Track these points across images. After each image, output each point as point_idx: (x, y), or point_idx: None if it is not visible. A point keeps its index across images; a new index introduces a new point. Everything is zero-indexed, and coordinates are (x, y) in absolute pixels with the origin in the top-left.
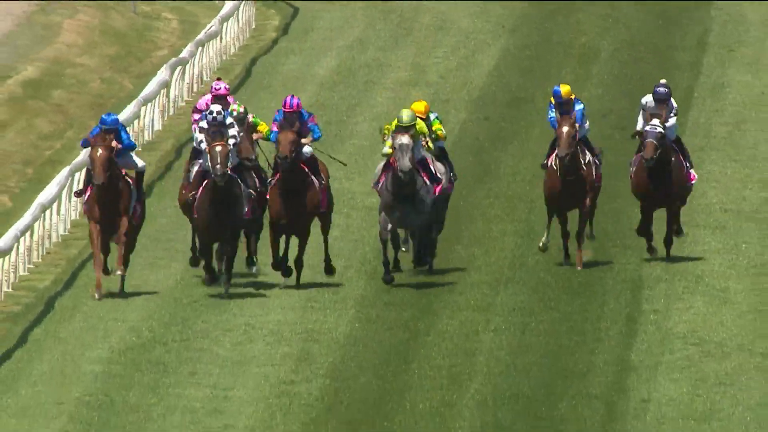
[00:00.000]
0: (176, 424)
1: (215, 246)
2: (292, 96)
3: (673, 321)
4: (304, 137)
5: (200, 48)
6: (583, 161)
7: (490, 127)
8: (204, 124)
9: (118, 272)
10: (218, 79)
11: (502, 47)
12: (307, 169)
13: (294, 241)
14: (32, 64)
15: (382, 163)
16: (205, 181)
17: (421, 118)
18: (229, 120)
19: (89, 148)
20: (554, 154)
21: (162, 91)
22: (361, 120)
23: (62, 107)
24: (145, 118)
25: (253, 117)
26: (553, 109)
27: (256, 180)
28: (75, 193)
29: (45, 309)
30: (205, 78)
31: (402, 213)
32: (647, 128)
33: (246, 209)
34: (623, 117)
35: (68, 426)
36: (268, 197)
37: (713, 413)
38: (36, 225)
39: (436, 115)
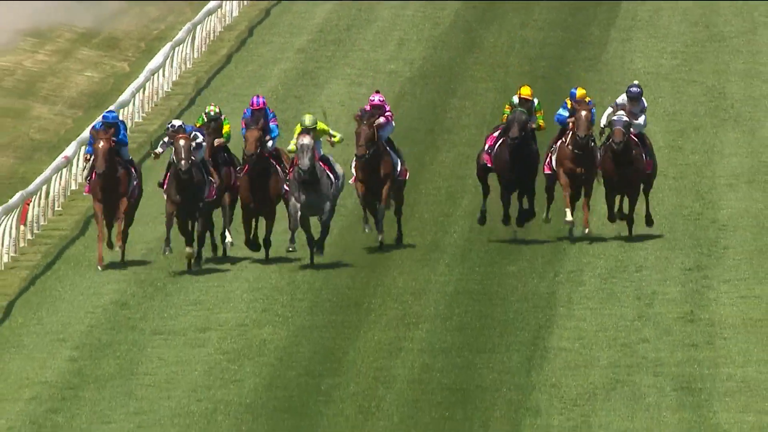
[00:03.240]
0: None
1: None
2: (258, 96)
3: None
4: (269, 132)
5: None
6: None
7: None
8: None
9: (117, 247)
10: (377, 91)
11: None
12: (272, 160)
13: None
14: None
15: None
16: (171, 170)
17: (528, 100)
18: (190, 130)
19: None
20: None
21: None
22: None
23: None
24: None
25: (224, 118)
26: (566, 109)
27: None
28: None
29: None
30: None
31: (307, 199)
32: (614, 118)
33: (207, 192)
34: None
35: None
36: (239, 184)
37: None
38: (147, 85)
39: (538, 101)
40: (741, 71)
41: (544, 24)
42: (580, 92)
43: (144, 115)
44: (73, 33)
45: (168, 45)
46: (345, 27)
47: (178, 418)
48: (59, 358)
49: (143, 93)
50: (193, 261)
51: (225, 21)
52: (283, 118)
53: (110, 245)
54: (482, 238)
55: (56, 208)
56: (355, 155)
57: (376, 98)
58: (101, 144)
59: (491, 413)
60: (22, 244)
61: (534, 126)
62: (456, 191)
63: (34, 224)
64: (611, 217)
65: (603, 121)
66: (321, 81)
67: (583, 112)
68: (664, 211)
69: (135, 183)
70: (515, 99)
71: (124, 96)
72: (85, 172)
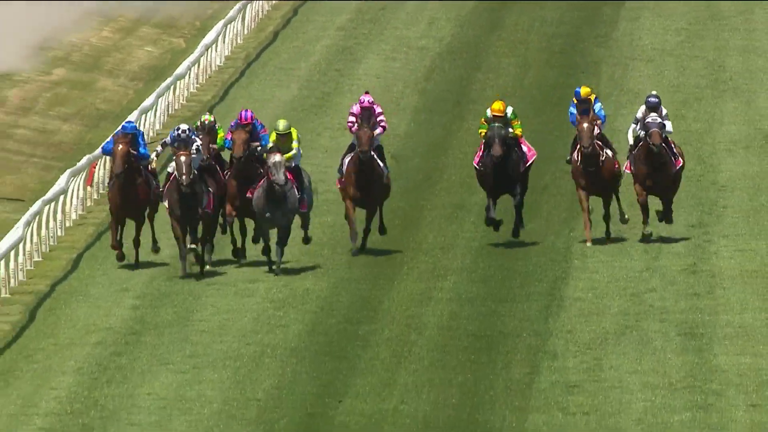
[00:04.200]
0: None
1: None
2: (247, 110)
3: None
4: (256, 140)
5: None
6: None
7: None
8: (170, 138)
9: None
10: (366, 92)
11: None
12: (257, 164)
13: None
14: None
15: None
16: (171, 180)
17: (500, 116)
18: (194, 137)
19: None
20: (577, 148)
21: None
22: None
23: None
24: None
25: (218, 126)
26: (575, 108)
27: (219, 174)
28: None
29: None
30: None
31: (272, 215)
32: (648, 120)
33: (206, 204)
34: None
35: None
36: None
37: None
38: (202, 59)
39: (512, 109)
40: (739, 47)
41: (561, 4)
42: (584, 91)
43: (198, 86)
44: (135, 13)
45: (220, 23)
46: (380, 7)
47: (229, 361)
48: (122, 306)
49: (198, 66)
50: (197, 262)
51: (272, 1)
52: (325, 90)
53: (120, 245)
54: (505, 198)
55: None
56: (360, 152)
57: (366, 99)
58: (120, 147)
59: (512, 357)
60: (89, 203)
61: (512, 136)
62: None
63: (100, 185)
64: (646, 221)
65: (630, 139)
66: (359, 56)
67: (585, 125)
68: None
69: (153, 190)
70: (489, 113)
71: (180, 69)
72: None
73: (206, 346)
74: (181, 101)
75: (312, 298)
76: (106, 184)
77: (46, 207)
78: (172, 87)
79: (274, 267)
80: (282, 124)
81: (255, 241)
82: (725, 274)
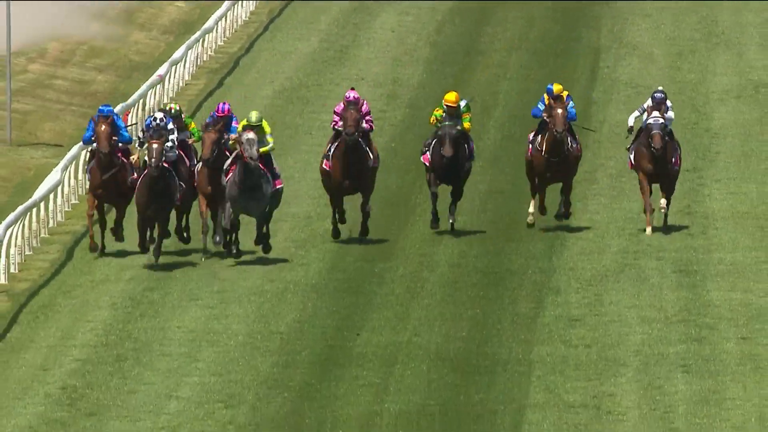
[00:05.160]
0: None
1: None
2: (224, 102)
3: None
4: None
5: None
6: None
7: None
8: (145, 125)
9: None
10: (352, 89)
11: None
12: (227, 154)
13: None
14: None
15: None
16: (145, 171)
17: (453, 107)
18: (170, 126)
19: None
20: (538, 138)
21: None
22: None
23: None
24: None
25: (186, 116)
26: (543, 104)
27: (187, 162)
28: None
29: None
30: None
31: (246, 202)
32: (650, 121)
33: (176, 196)
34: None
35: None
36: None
37: None
38: (228, 14)
39: (466, 102)
40: (730, 3)
41: None
42: (556, 87)
43: (225, 39)
44: None
45: None
46: None
47: (254, 296)
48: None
49: (225, 21)
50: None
51: None
52: (343, 43)
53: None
54: (512, 145)
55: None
56: (345, 133)
57: (351, 95)
58: (102, 127)
59: (519, 292)
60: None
61: (461, 129)
62: (489, 105)
63: (133, 131)
64: (650, 214)
65: (630, 122)
66: (374, 12)
67: (559, 110)
68: None
69: (132, 178)
70: (444, 105)
71: (209, 23)
72: (88, 159)
73: (233, 283)
74: (209, 53)
75: (331, 238)
76: (84, 169)
77: (83, 152)
78: (200, 40)
79: (234, 251)
80: (254, 115)
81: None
82: (718, 216)
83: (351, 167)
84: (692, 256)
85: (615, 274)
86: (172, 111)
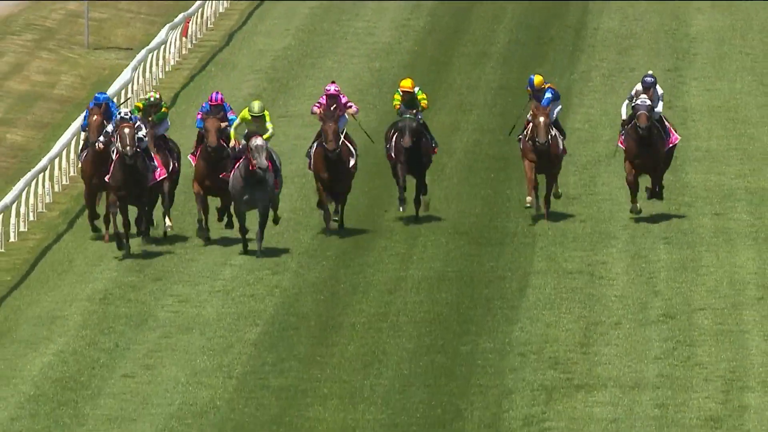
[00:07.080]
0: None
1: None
2: (217, 92)
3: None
4: (224, 121)
5: None
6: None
7: None
8: (113, 123)
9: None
10: (332, 81)
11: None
12: (225, 143)
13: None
14: None
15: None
16: (116, 157)
17: (409, 92)
18: (136, 121)
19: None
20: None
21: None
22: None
23: None
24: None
25: (164, 104)
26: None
27: (167, 154)
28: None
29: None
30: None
31: (250, 196)
32: (638, 102)
33: (150, 178)
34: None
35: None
36: (194, 164)
37: None
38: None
39: (419, 88)
40: None
41: None
42: (537, 79)
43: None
44: None
45: None
46: None
47: (297, 177)
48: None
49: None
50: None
51: None
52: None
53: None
54: (514, 76)
55: (209, 26)
56: (326, 149)
57: (332, 88)
58: (95, 118)
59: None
60: (184, 51)
61: (421, 120)
62: (482, 61)
63: (192, 37)
64: (635, 200)
65: (623, 113)
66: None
67: (542, 119)
68: (651, 28)
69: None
70: (400, 91)
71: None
72: (81, 149)
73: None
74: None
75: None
76: (78, 156)
77: (150, 54)
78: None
79: (252, 249)
80: (257, 105)
81: (220, 219)
82: (695, 109)
83: (330, 172)
84: None
85: (606, 160)
86: (151, 99)
